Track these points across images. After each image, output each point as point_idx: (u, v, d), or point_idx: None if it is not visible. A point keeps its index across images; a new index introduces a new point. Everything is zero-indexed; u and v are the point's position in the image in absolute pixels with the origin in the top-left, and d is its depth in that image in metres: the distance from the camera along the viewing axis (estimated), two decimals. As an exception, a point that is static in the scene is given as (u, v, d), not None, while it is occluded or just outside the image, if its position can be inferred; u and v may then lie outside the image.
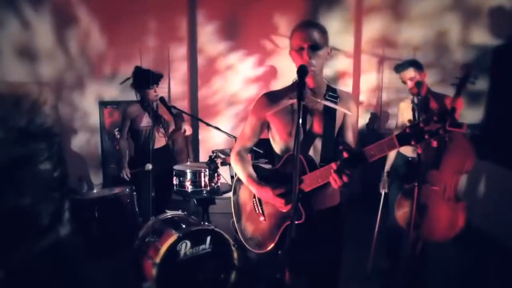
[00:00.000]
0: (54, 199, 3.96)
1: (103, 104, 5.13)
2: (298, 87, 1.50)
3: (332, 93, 1.77)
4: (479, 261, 3.63)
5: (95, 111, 5.03)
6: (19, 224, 3.49)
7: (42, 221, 3.80)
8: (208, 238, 2.65)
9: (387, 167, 3.17)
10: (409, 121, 1.37)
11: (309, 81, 1.71)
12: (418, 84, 2.80)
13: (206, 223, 2.77)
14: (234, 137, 3.12)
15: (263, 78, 5.18)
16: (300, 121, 1.46)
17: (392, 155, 3.14)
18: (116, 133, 4.81)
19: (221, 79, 5.27)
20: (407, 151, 3.01)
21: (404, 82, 2.92)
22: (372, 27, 5.07)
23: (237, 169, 1.90)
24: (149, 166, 3.23)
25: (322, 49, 1.68)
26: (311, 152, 1.73)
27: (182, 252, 2.55)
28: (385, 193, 3.21)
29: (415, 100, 2.89)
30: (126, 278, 2.85)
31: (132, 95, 3.54)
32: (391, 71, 3.16)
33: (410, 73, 2.86)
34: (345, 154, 1.44)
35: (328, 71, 5.17)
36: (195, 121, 5.24)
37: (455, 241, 3.83)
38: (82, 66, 4.74)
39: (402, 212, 2.74)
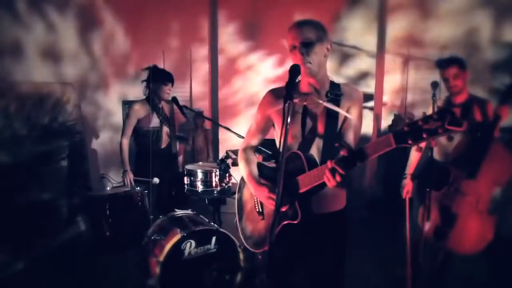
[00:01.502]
0: (75, 195, 4.11)
1: (126, 103, 5.26)
2: (287, 86, 1.47)
3: (335, 91, 1.72)
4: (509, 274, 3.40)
5: (118, 110, 5.17)
6: (40, 218, 3.64)
7: (62, 216, 3.94)
8: (214, 239, 2.64)
9: (410, 169, 2.99)
10: (438, 106, 1.27)
11: (310, 80, 1.69)
12: (446, 80, 2.64)
13: (212, 223, 2.76)
14: (241, 136, 3.11)
15: (284, 78, 5.10)
16: (289, 120, 1.45)
17: (414, 157, 2.98)
18: None
19: (241, 79, 5.28)
20: (437, 154, 2.86)
21: (446, 80, 2.68)
22: (397, 26, 4.91)
23: (240, 166, 1.89)
24: (156, 180, 3.17)
25: (316, 45, 1.63)
26: (314, 152, 1.69)
27: (186, 251, 2.55)
28: (409, 198, 3.04)
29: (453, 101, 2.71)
30: (134, 275, 2.89)
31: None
32: (417, 71, 3.00)
33: (454, 70, 2.65)
34: (342, 152, 1.39)
35: (350, 71, 5.06)
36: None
37: (486, 254, 3.65)
38: (106, 66, 4.89)
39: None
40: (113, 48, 4.99)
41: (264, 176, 1.82)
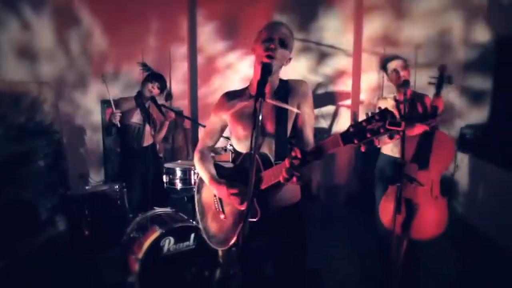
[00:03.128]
0: (53, 195, 4.07)
1: (105, 102, 5.23)
2: (258, 85, 1.52)
3: (283, 87, 1.78)
4: (477, 262, 3.57)
5: (97, 109, 5.14)
6: (19, 219, 3.60)
7: (41, 216, 3.90)
8: (192, 235, 2.68)
9: None
10: (379, 108, 1.35)
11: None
12: (406, 83, 2.78)
13: (191, 220, 2.80)
14: (227, 137, 3.16)
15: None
16: (260, 117, 1.48)
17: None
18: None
19: (220, 78, 5.32)
20: (388, 150, 3.00)
21: (396, 71, 2.85)
22: (373, 25, 5.04)
23: (198, 168, 1.93)
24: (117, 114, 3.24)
25: (287, 48, 1.71)
26: (266, 151, 1.74)
27: (165, 248, 2.59)
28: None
29: (398, 97, 2.87)
30: (114, 273, 2.91)
31: (133, 93, 3.58)
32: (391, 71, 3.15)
33: (401, 62, 2.84)
34: (293, 153, 1.44)
35: (327, 70, 5.17)
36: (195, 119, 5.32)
37: (454, 243, 3.83)
38: (84, 65, 4.84)
39: (388, 214, 2.72)
40: (91, 47, 4.95)
41: (220, 176, 1.86)
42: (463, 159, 4.72)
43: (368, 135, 1.23)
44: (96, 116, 5.12)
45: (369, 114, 1.26)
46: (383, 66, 2.95)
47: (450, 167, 4.87)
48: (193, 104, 5.36)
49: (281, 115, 1.74)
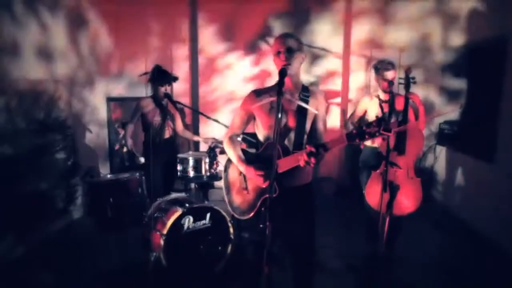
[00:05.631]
0: (68, 185, 4.38)
1: (110, 100, 5.54)
2: (278, 85, 1.90)
3: (305, 92, 2.19)
4: (454, 241, 4.05)
5: (103, 107, 5.45)
6: (37, 206, 3.90)
7: (57, 205, 4.21)
8: (208, 215, 3.06)
9: None
10: (377, 116, 1.77)
11: (287, 81, 2.07)
12: (391, 83, 3.21)
13: (206, 202, 3.17)
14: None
15: (259, 76, 5.59)
16: (280, 114, 1.86)
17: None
18: (118, 128, 5.25)
19: (220, 78, 5.68)
20: (372, 142, 3.42)
21: (389, 81, 3.22)
22: (361, 30, 5.46)
23: (228, 151, 2.30)
24: (141, 160, 3.76)
25: (296, 53, 2.10)
26: (286, 142, 2.14)
27: (185, 226, 2.96)
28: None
29: (382, 97, 3.30)
30: (135, 251, 3.27)
31: (136, 92, 3.94)
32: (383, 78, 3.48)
33: (391, 74, 3.23)
34: (308, 148, 1.86)
35: (319, 70, 5.58)
36: (196, 115, 5.67)
37: (434, 225, 4.30)
38: (92, 65, 5.14)
39: (373, 196, 3.13)
40: (98, 47, 5.26)
41: (247, 159, 2.24)
42: (441, 152, 5.21)
43: (366, 136, 1.70)
44: (102, 113, 5.43)
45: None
46: (376, 70, 3.30)
47: (430, 158, 5.36)
48: (194, 101, 5.70)
49: (301, 113, 2.14)
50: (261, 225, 1.89)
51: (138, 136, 4.04)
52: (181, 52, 5.63)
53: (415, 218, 3.16)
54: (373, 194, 3.13)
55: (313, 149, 1.84)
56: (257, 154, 2.23)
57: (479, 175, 4.31)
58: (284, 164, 2.01)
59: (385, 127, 1.65)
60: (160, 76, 3.67)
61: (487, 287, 3.13)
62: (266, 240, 1.69)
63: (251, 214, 2.19)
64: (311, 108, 2.13)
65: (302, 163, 1.89)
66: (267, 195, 1.79)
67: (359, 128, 1.72)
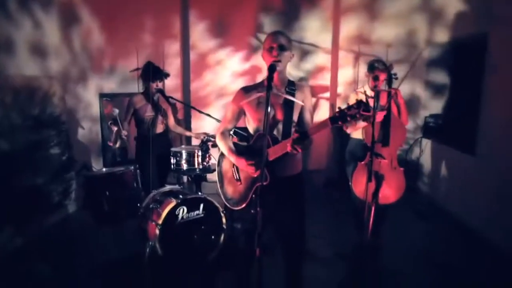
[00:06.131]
0: (63, 180, 4.46)
1: (103, 96, 5.61)
2: (268, 80, 2.01)
3: (291, 86, 2.32)
4: (438, 230, 4.23)
5: (96, 103, 5.51)
6: (33, 201, 3.98)
7: (53, 199, 4.30)
8: (202, 205, 3.17)
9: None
10: (357, 99, 1.87)
11: (274, 76, 2.15)
12: (376, 78, 3.35)
13: (200, 193, 3.29)
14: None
15: (249, 72, 5.70)
16: (269, 108, 1.98)
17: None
18: (111, 125, 5.32)
19: (211, 73, 5.77)
20: (356, 135, 3.56)
21: (375, 80, 3.35)
22: (349, 26, 5.59)
23: (221, 145, 2.43)
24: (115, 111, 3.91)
25: (286, 51, 2.22)
26: (275, 132, 2.27)
27: (180, 216, 3.07)
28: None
29: (369, 93, 3.43)
30: (131, 243, 3.39)
31: (128, 88, 4.01)
32: (366, 66, 3.60)
33: (384, 75, 3.35)
34: (295, 134, 1.99)
35: (308, 66, 5.71)
36: (187, 111, 5.76)
37: (421, 218, 4.47)
38: (85, 61, 5.20)
39: (360, 186, 3.28)
40: (91, 44, 5.32)
41: (237, 151, 2.36)
42: (427, 144, 5.39)
43: (348, 118, 1.80)
44: (95, 109, 5.50)
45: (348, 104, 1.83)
46: (371, 68, 3.41)
47: (416, 151, 5.53)
48: (186, 97, 5.79)
49: (288, 106, 2.27)
50: (252, 211, 2.01)
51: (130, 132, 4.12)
52: (173, 48, 5.70)
53: (402, 208, 3.32)
54: (359, 184, 3.27)
55: (297, 135, 1.97)
56: (248, 146, 2.35)
57: (463, 167, 4.48)
58: (273, 152, 2.13)
59: (365, 108, 1.75)
60: (152, 72, 3.76)
61: (470, 276, 3.26)
62: (257, 225, 1.80)
63: (244, 205, 2.31)
64: (297, 100, 2.24)
65: (289, 149, 2.01)
66: (259, 184, 1.88)
67: (341, 111, 1.82)
